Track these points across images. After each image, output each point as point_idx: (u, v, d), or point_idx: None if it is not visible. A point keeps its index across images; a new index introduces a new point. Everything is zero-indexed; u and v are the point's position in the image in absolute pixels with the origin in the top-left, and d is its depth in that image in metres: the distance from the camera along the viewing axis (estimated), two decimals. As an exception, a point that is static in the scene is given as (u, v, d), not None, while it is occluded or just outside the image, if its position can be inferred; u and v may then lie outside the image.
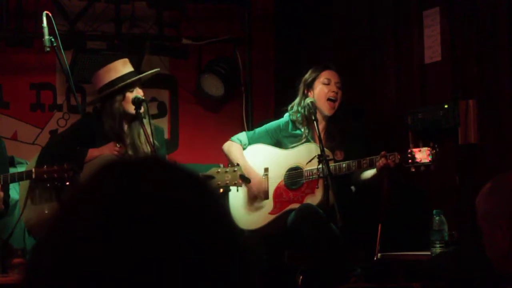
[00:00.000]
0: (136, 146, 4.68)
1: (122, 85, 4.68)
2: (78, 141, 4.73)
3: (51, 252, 0.93)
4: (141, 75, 4.83)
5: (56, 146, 4.80)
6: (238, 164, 4.72)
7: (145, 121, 4.64)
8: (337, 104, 4.85)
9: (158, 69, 5.10)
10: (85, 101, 6.04)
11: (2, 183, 4.46)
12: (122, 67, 4.77)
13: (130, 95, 4.70)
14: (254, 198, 4.87)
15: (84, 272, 0.89)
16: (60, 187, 4.40)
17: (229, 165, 4.82)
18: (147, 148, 4.63)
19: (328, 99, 4.83)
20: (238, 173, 4.64)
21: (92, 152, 4.68)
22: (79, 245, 0.90)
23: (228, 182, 4.65)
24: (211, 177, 4.64)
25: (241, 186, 4.68)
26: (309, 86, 4.88)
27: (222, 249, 0.93)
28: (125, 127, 4.73)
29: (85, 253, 0.89)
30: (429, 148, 4.36)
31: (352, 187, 4.86)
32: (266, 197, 4.84)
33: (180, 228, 0.91)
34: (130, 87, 4.72)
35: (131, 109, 4.67)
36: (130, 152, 4.65)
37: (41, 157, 4.70)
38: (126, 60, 4.86)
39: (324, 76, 4.88)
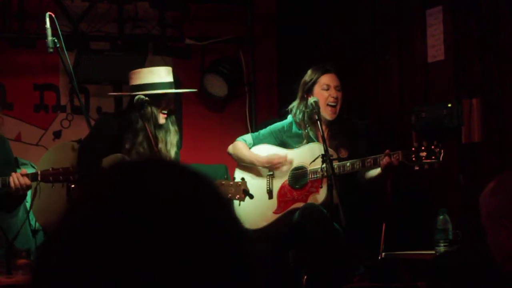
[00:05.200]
0: (162, 151, 4.61)
1: (153, 93, 4.63)
2: (105, 141, 4.66)
3: (57, 251, 0.93)
4: (177, 90, 4.79)
5: (91, 151, 4.65)
6: (243, 179, 4.69)
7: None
8: (338, 108, 4.84)
9: (195, 90, 5.07)
10: (89, 101, 6.05)
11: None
12: (165, 74, 4.74)
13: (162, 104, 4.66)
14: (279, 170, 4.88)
15: (90, 271, 0.89)
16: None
17: (236, 174, 4.86)
18: (169, 154, 4.60)
19: (328, 105, 4.82)
20: (242, 187, 4.61)
21: None
22: (84, 244, 0.91)
23: (231, 195, 4.62)
24: None
25: (243, 201, 4.63)
26: (309, 90, 4.85)
27: (227, 248, 0.93)
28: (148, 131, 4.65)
29: (90, 253, 0.90)
30: (432, 146, 4.35)
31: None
32: (286, 162, 4.84)
33: (186, 227, 0.91)
34: (165, 97, 4.67)
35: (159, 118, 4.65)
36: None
37: (81, 167, 4.54)
38: (170, 69, 4.84)
39: (323, 81, 4.85)
